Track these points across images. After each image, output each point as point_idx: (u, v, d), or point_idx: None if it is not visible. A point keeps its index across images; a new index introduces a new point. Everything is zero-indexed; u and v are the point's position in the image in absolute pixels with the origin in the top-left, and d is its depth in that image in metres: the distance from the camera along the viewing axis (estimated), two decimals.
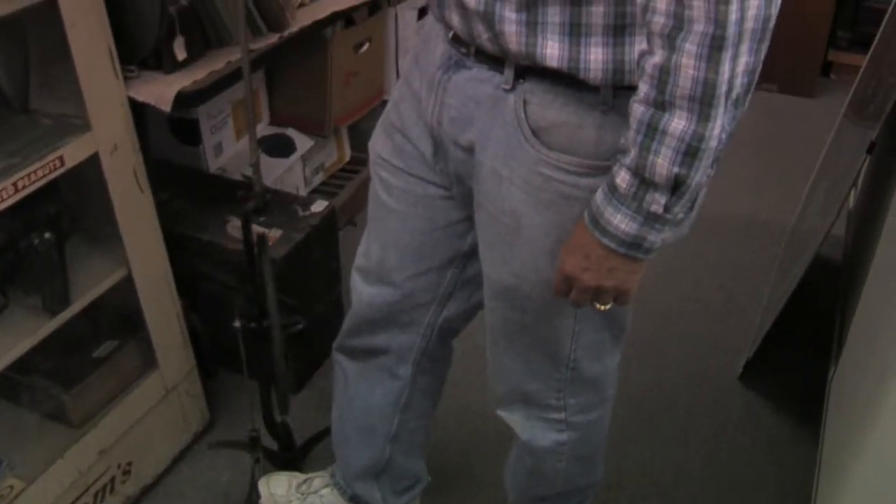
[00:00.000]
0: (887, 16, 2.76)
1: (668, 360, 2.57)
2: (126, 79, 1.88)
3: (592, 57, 1.15)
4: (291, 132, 2.72)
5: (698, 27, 0.99)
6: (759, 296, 2.75)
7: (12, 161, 1.74)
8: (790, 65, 4.07)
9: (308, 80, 2.62)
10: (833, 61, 4.27)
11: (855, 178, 2.21)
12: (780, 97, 4.10)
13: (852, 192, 2.94)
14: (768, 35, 1.01)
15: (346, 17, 2.43)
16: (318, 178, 2.87)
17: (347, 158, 3.00)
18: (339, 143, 2.91)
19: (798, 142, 3.68)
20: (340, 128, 2.87)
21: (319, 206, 2.29)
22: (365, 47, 2.68)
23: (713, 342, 2.64)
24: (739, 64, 1.01)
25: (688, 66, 1.00)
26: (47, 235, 1.84)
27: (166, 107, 1.87)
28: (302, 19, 2.20)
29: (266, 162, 2.60)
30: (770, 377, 2.50)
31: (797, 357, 2.57)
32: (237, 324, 1.84)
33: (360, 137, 2.96)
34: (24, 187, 1.72)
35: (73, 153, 1.81)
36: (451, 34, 1.29)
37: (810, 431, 2.23)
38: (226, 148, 2.56)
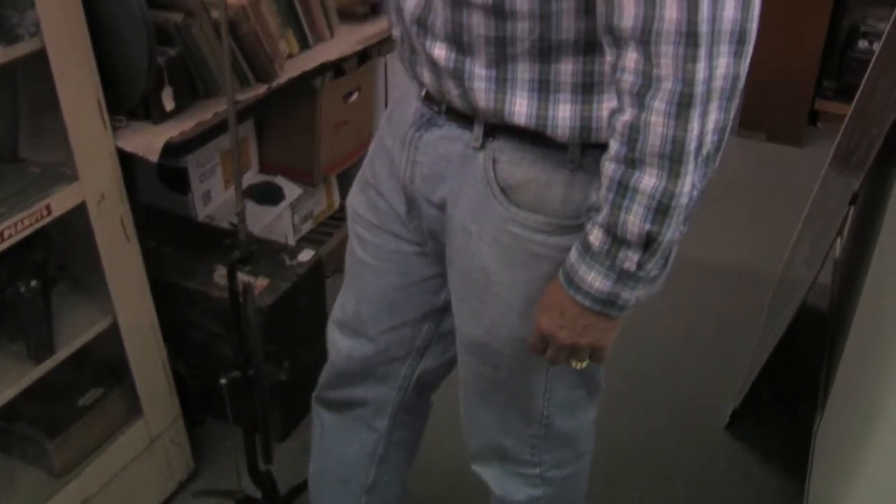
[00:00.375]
0: (870, 68, 2.80)
1: (654, 409, 2.57)
2: (114, 129, 1.89)
3: (560, 114, 1.16)
4: (280, 180, 2.74)
5: (666, 85, 1.00)
6: (747, 344, 2.75)
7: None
8: (778, 113, 4.11)
9: (297, 128, 2.64)
10: (820, 110, 4.31)
11: (840, 227, 2.23)
12: (768, 146, 4.14)
13: (838, 242, 2.96)
14: (738, 93, 1.03)
15: (335, 67, 2.45)
16: (307, 226, 2.89)
17: (337, 206, 3.01)
18: (328, 190, 2.92)
19: (785, 190, 3.70)
20: (329, 176, 2.89)
21: (307, 255, 2.29)
22: (354, 97, 2.70)
23: (699, 391, 2.63)
24: (709, 121, 1.02)
25: (657, 123, 1.02)
26: (33, 283, 1.84)
27: (153, 157, 1.88)
28: (290, 70, 2.22)
29: (255, 210, 2.62)
30: (757, 427, 2.49)
31: (784, 406, 2.57)
32: (223, 380, 1.84)
33: (349, 185, 2.94)
34: (10, 236, 1.72)
35: (60, 202, 1.82)
36: (423, 92, 1.31)
37: (797, 483, 2.22)
38: (214, 196, 2.57)
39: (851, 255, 2.65)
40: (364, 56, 2.57)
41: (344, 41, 2.47)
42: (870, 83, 2.73)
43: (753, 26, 1.01)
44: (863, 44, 4.15)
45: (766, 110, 4.09)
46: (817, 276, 2.16)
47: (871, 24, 4.17)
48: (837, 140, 2.85)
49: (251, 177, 2.75)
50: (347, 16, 2.53)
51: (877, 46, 4.03)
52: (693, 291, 3.04)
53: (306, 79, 2.30)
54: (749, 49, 1.01)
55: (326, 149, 2.67)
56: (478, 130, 1.24)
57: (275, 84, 2.14)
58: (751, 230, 3.46)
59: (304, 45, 2.37)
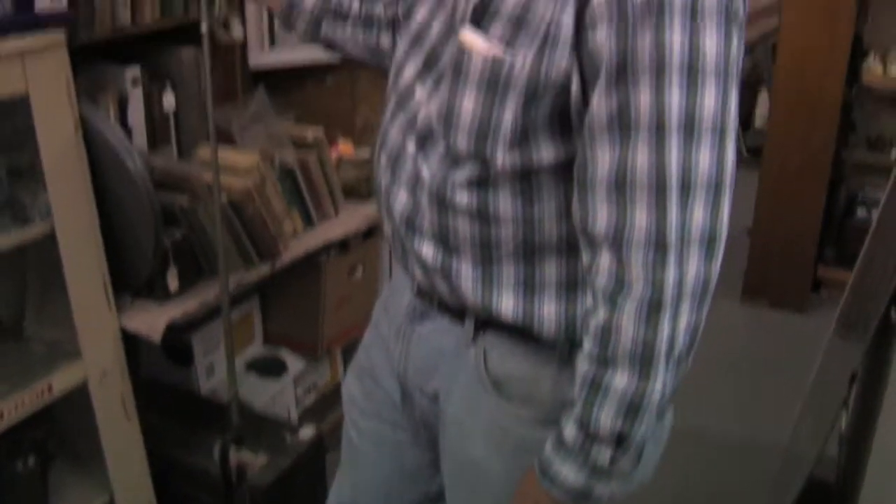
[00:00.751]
0: (867, 239, 2.83)
1: None
2: (118, 307, 1.93)
3: (546, 312, 1.19)
4: (284, 353, 2.75)
5: (637, 289, 1.03)
6: None
7: (1, 389, 1.76)
8: (780, 280, 4.13)
9: (301, 302, 2.67)
10: (822, 277, 4.33)
11: (844, 399, 2.22)
12: (771, 313, 4.14)
13: (843, 414, 2.93)
14: (710, 295, 1.06)
15: (340, 244, 2.51)
16: (311, 398, 2.88)
17: (340, 378, 3.01)
18: (332, 363, 2.93)
19: (789, 358, 3.69)
20: (334, 348, 2.90)
21: (307, 432, 2.28)
22: (358, 271, 2.74)
23: None
24: (680, 324, 1.05)
25: (628, 326, 1.05)
26: (31, 461, 1.85)
27: (156, 337, 1.91)
28: (295, 249, 2.26)
29: (257, 383, 2.62)
30: None
31: None
32: None
33: (352, 354, 2.98)
34: (10, 415, 1.74)
35: (61, 381, 1.84)
36: (415, 285, 1.35)
37: None
38: (218, 369, 2.58)
39: (856, 427, 2.62)
40: (369, 231, 2.62)
41: (349, 219, 2.53)
42: (868, 255, 2.75)
43: (723, 229, 1.04)
44: (861, 212, 4.22)
45: (769, 277, 4.12)
46: (823, 450, 2.14)
47: (868, 192, 4.25)
48: (839, 309, 2.85)
49: (255, 349, 2.77)
50: (352, 193, 2.59)
51: (875, 215, 4.09)
52: (694, 464, 2.99)
53: (310, 257, 2.34)
54: (720, 251, 1.05)
55: (330, 323, 2.70)
56: (469, 325, 1.26)
57: (278, 265, 2.19)
58: (754, 400, 3.43)
59: (309, 223, 2.42)
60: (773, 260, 4.09)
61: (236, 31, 1.63)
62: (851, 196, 4.29)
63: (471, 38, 1.10)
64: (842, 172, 4.20)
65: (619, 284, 1.05)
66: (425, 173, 1.20)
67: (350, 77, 2.76)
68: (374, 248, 2.83)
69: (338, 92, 2.80)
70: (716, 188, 1.03)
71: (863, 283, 2.58)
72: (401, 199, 1.26)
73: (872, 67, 3.99)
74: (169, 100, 2.29)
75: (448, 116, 1.14)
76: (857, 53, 3.93)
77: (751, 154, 5.23)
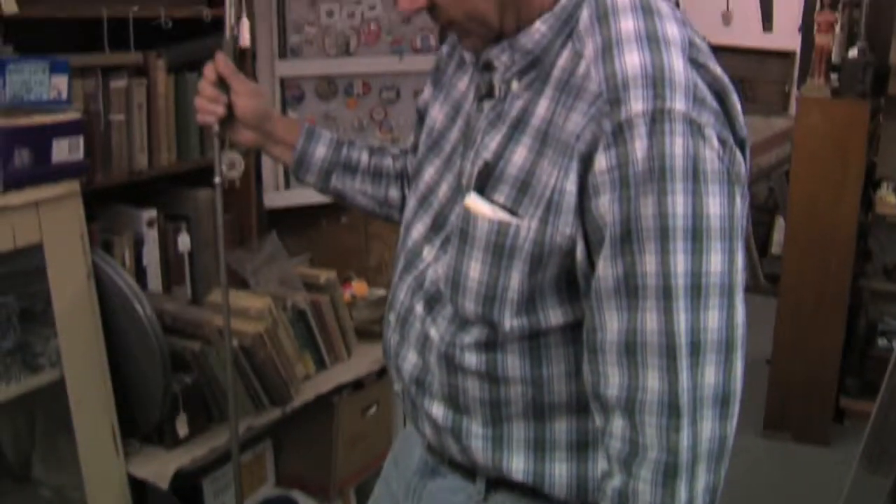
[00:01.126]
0: (887, 375, 2.78)
1: None
2: (126, 453, 1.91)
3: (557, 472, 1.17)
4: (296, 494, 2.71)
5: (652, 454, 1.02)
6: None
7: None
8: (802, 412, 4.06)
9: (314, 442, 2.64)
10: (845, 408, 4.25)
11: None
12: (794, 446, 4.06)
13: None
14: (727, 454, 1.04)
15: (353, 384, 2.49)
16: None
17: None
18: (344, 502, 2.89)
19: (814, 494, 3.60)
20: (347, 488, 2.85)
21: None
22: (373, 410, 2.71)
23: None
24: (697, 486, 1.02)
25: (644, 491, 1.02)
26: None
27: (164, 484, 1.89)
28: (306, 392, 2.25)
29: None
30: None
31: None
32: None
33: (366, 494, 2.93)
34: None
35: None
36: (426, 442, 1.33)
37: None
38: None
39: None
40: (383, 370, 2.61)
41: (361, 360, 2.53)
42: (887, 393, 2.71)
43: (737, 387, 1.03)
44: (882, 342, 4.17)
45: (791, 410, 4.05)
46: None
47: (888, 321, 4.22)
48: (862, 445, 2.80)
49: (267, 490, 2.73)
50: (366, 334, 2.59)
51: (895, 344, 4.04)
52: None
53: (322, 399, 2.33)
54: (734, 409, 1.03)
55: (343, 463, 2.66)
56: (480, 485, 1.25)
57: (289, 408, 2.17)
58: None
59: (322, 366, 2.41)
60: (793, 391, 4.03)
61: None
62: (871, 325, 4.25)
63: (475, 203, 1.11)
64: (860, 301, 4.17)
65: (634, 449, 1.03)
66: (433, 335, 1.20)
67: (364, 216, 2.79)
68: (389, 386, 2.80)
69: (352, 230, 2.83)
70: (727, 348, 1.02)
71: (885, 422, 2.54)
72: (410, 359, 1.25)
73: (885, 197, 4.00)
74: (184, 241, 2.32)
75: (455, 281, 1.14)
76: (870, 183, 3.95)
77: (768, 281, 5.21)
